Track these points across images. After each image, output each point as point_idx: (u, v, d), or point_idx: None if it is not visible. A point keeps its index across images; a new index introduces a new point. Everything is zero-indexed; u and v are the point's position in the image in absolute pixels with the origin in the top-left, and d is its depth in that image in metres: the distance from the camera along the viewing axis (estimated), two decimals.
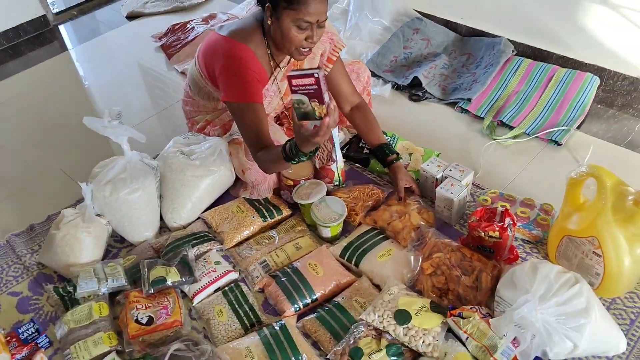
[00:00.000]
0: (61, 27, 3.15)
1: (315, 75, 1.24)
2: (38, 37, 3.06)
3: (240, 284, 1.57)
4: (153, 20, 3.11)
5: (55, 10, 3.20)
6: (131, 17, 3.17)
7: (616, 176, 1.38)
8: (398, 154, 1.79)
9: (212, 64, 1.67)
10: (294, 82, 1.28)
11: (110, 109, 1.63)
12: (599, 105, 2.16)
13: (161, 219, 1.79)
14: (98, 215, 1.68)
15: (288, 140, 1.48)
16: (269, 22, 1.56)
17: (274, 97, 1.79)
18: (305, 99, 1.30)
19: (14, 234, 1.83)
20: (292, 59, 1.73)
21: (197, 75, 1.79)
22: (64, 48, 2.98)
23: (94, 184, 1.66)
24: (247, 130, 1.62)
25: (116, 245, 1.76)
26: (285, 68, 1.74)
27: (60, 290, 1.56)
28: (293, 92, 1.30)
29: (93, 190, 1.66)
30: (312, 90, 1.28)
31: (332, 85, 1.83)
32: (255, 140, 1.60)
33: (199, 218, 1.80)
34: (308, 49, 1.57)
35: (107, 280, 1.53)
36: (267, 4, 1.54)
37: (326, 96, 1.29)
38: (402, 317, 1.36)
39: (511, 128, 2.07)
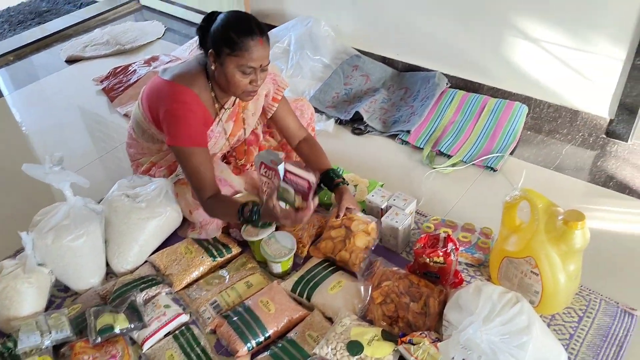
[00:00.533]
0: None
1: (311, 182, 1.53)
2: None
3: (191, 326, 1.55)
4: (93, 63, 3.08)
5: None
6: (71, 60, 3.13)
7: (546, 198, 1.47)
8: (344, 179, 1.81)
9: (157, 107, 1.67)
10: (289, 176, 1.55)
11: (51, 154, 1.61)
12: (528, 132, 2.29)
13: (107, 264, 1.75)
14: (40, 264, 1.63)
15: (248, 205, 1.59)
16: (212, 67, 1.60)
17: (219, 137, 1.81)
18: (292, 191, 1.56)
19: None
20: (236, 101, 1.77)
21: (141, 118, 1.79)
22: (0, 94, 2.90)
23: (35, 233, 1.62)
24: (193, 175, 1.64)
25: (60, 295, 1.70)
26: (230, 109, 1.77)
27: (0, 346, 1.49)
28: (284, 181, 1.57)
29: (34, 239, 1.61)
30: (302, 189, 1.55)
31: (279, 123, 1.88)
32: (201, 184, 1.63)
33: (146, 261, 1.77)
34: (254, 90, 1.61)
35: (50, 332, 1.48)
36: (210, 50, 1.58)
37: (311, 197, 1.53)
38: (354, 348, 1.38)
39: (449, 157, 2.16)
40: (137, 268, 1.74)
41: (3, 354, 1.47)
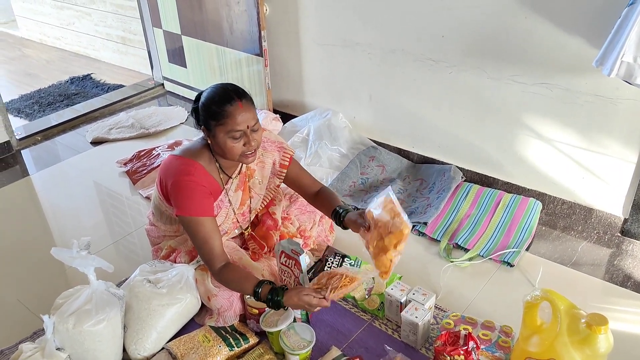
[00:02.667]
0: (24, 152, 3.19)
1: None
2: (0, 162, 3.07)
3: None
4: (118, 145, 3.20)
5: (19, 136, 3.25)
6: (96, 142, 3.25)
7: (567, 300, 1.48)
8: (348, 209, 1.83)
9: (166, 181, 1.77)
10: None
11: (79, 239, 1.65)
12: (543, 228, 2.32)
13: (124, 350, 1.74)
14: (58, 349, 1.63)
15: (266, 283, 1.64)
16: (209, 141, 1.71)
17: (229, 208, 1.87)
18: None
19: None
20: (242, 169, 1.86)
21: (158, 199, 1.87)
22: (25, 173, 2.99)
23: (56, 316, 1.62)
24: (203, 244, 1.71)
25: None
26: (237, 179, 1.85)
27: None
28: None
29: (55, 323, 1.62)
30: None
31: (294, 184, 1.98)
32: (211, 254, 1.70)
33: (163, 348, 1.76)
34: (252, 151, 1.70)
35: None
36: (202, 126, 1.71)
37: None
38: None
39: (466, 250, 2.18)
40: (153, 355, 1.73)
41: None
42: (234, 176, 1.85)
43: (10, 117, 3.18)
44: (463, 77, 2.42)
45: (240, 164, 1.84)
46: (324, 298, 1.62)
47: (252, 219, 2.02)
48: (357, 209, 2.45)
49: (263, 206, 2.03)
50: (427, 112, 2.63)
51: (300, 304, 1.61)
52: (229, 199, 1.86)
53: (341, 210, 1.84)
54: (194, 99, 1.76)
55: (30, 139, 3.31)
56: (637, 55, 1.73)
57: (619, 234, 2.24)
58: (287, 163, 1.94)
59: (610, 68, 1.79)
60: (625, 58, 1.75)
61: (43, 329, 1.73)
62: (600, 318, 1.39)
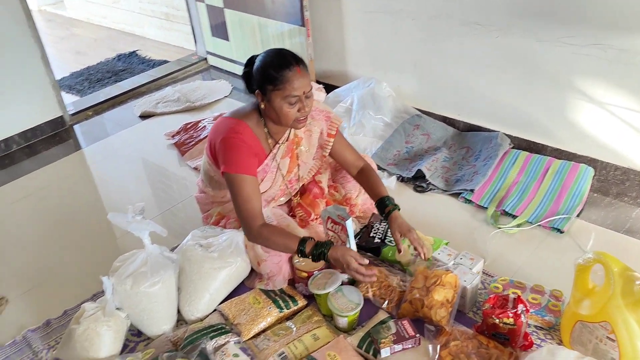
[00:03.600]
0: (76, 127, 3.31)
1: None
2: (54, 136, 3.20)
3: None
4: (165, 119, 3.27)
5: (71, 111, 3.37)
6: (144, 116, 3.33)
7: (621, 262, 1.45)
8: (396, 205, 1.86)
9: (214, 140, 1.81)
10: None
11: (134, 204, 1.71)
12: (595, 194, 2.26)
13: (178, 311, 1.81)
14: (117, 309, 1.71)
15: (311, 240, 1.69)
16: (262, 105, 1.73)
17: (276, 173, 1.90)
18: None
19: (30, 330, 1.84)
20: (289, 137, 1.88)
21: (207, 163, 1.92)
22: (78, 147, 3.10)
23: (115, 278, 1.70)
24: (244, 202, 1.75)
25: (133, 339, 1.77)
26: (284, 145, 1.87)
27: None
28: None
29: (114, 284, 1.69)
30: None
31: (337, 156, 2.00)
32: (252, 212, 1.74)
33: (215, 310, 1.82)
34: (305, 117, 1.73)
35: None
36: (256, 91, 1.72)
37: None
38: None
39: (514, 217, 2.15)
40: (206, 316, 1.79)
41: None
42: (281, 142, 1.87)
43: (62, 93, 3.29)
44: (510, 41, 2.35)
45: (288, 131, 1.86)
46: (365, 269, 1.66)
47: (299, 187, 2.05)
48: (403, 177, 2.45)
49: (310, 176, 2.05)
50: (473, 78, 2.58)
51: (341, 260, 1.66)
52: (277, 165, 1.89)
53: (388, 203, 1.86)
54: (245, 63, 1.78)
55: (82, 114, 3.42)
56: None
57: None
58: (334, 132, 1.95)
59: None
60: None
61: (102, 291, 1.82)
62: None
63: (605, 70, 2.14)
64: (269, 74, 1.67)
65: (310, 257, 1.70)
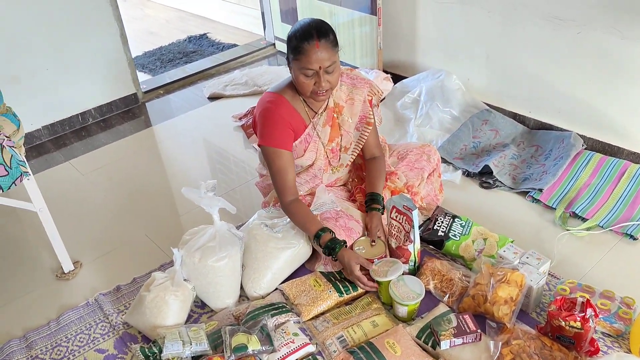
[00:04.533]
0: (148, 104, 3.43)
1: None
2: (128, 112, 3.33)
3: (318, 357, 1.60)
4: (233, 101, 3.34)
5: (144, 89, 3.50)
6: (213, 97, 3.42)
7: None
8: (383, 207, 1.90)
9: (255, 114, 1.87)
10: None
11: (205, 181, 1.77)
12: None
13: (241, 287, 1.86)
14: (185, 280, 1.77)
15: (327, 234, 1.76)
16: (290, 73, 1.77)
17: (317, 142, 1.92)
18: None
19: (102, 294, 1.94)
20: (329, 105, 1.89)
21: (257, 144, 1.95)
22: (149, 124, 3.22)
23: (184, 250, 1.77)
24: (277, 175, 1.82)
25: (197, 310, 1.83)
26: (324, 114, 1.89)
27: (146, 350, 1.62)
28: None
29: (183, 256, 1.76)
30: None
31: None
32: (284, 186, 1.83)
33: (276, 289, 1.86)
34: (323, 91, 1.74)
35: (191, 344, 1.59)
36: (286, 57, 1.77)
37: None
38: None
39: (584, 220, 2.08)
40: (268, 294, 1.84)
41: (149, 357, 1.60)
42: (320, 111, 1.89)
43: (136, 72, 3.42)
44: (592, 37, 2.26)
45: (327, 99, 1.88)
46: (368, 279, 1.74)
47: (346, 160, 2.01)
48: (469, 172, 2.41)
49: (358, 149, 2.00)
50: (548, 74, 2.49)
51: (346, 264, 1.74)
52: (317, 134, 1.91)
53: (379, 200, 1.91)
54: None
55: (153, 93, 3.54)
56: None
57: None
58: (370, 98, 1.94)
59: None
60: None
61: (169, 262, 1.91)
62: None
63: None
64: (291, 43, 1.72)
65: (322, 248, 1.77)
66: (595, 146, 2.43)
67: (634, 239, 1.97)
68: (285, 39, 1.79)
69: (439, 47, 2.94)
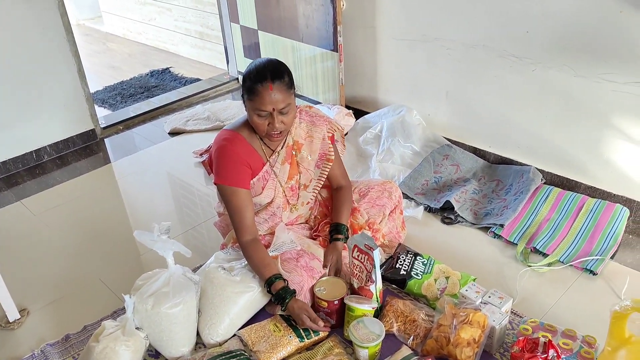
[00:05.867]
0: (107, 140, 3.35)
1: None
2: (85, 148, 3.24)
3: None
4: (194, 136, 3.29)
5: (103, 125, 3.42)
6: (174, 133, 3.36)
7: None
8: (346, 237, 1.91)
9: (211, 153, 1.84)
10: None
11: (160, 223, 1.71)
12: (630, 236, 2.18)
13: (197, 334, 1.79)
14: (137, 328, 1.69)
15: (278, 283, 1.73)
16: (246, 111, 1.77)
17: (275, 181, 1.90)
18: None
19: (49, 344, 1.83)
20: (287, 143, 1.88)
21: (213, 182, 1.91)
22: (107, 160, 3.14)
23: (136, 297, 1.69)
24: (235, 214, 1.79)
25: None
26: (283, 151, 1.87)
27: None
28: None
29: (135, 303, 1.68)
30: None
31: None
32: (241, 225, 1.79)
33: (235, 335, 1.79)
34: (277, 132, 1.73)
35: None
36: (242, 95, 1.76)
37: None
38: None
39: (545, 255, 2.09)
40: (225, 341, 1.76)
41: None
42: (278, 149, 1.87)
43: (95, 107, 3.34)
44: (548, 75, 2.31)
45: (285, 137, 1.87)
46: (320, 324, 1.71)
47: (307, 198, 1.99)
48: (431, 208, 2.41)
49: (319, 186, 2.00)
50: (506, 110, 2.53)
51: (295, 316, 1.72)
52: (275, 172, 1.88)
53: (342, 231, 1.92)
54: None
55: (113, 128, 3.46)
56: None
57: None
58: (331, 134, 1.95)
59: None
60: None
61: (123, 308, 1.82)
62: None
63: None
64: (245, 83, 1.71)
65: (272, 295, 1.75)
66: (554, 180, 2.46)
67: (594, 273, 1.98)
68: None
69: (400, 83, 2.97)
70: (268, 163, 1.87)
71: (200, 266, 1.97)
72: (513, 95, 2.48)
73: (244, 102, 1.76)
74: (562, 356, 1.58)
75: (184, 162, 3.02)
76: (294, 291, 1.74)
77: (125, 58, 5.02)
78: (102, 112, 3.73)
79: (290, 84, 1.73)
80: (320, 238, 1.99)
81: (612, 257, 2.07)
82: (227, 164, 1.78)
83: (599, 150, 2.27)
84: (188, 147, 3.14)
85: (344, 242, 1.91)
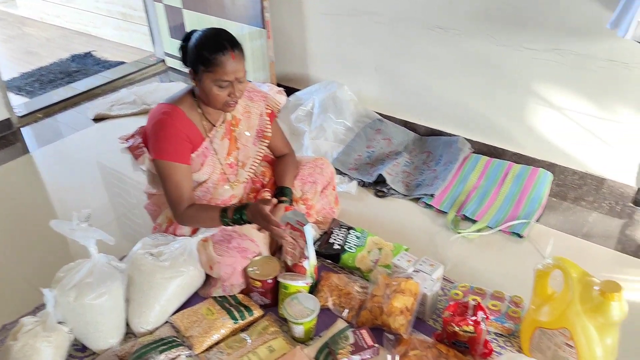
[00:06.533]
0: (25, 130, 3.15)
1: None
2: (0, 139, 3.04)
3: None
4: (120, 122, 3.15)
5: (19, 114, 3.21)
6: (98, 119, 3.21)
7: (580, 267, 1.43)
8: (291, 201, 1.90)
9: (146, 128, 1.76)
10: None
11: (79, 211, 1.62)
12: (554, 199, 2.27)
13: (127, 324, 1.72)
14: (60, 322, 1.60)
15: (232, 207, 1.69)
16: (193, 83, 1.71)
17: (214, 157, 1.84)
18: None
19: None
20: (226, 118, 1.84)
21: (147, 158, 1.84)
22: (26, 150, 2.96)
23: (57, 290, 1.60)
24: (173, 189, 1.73)
25: (77, 354, 1.66)
26: (222, 127, 1.83)
27: None
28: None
29: (56, 296, 1.59)
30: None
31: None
32: (181, 198, 1.73)
33: (166, 322, 1.73)
34: (234, 102, 1.70)
35: None
36: (189, 68, 1.69)
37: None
38: None
39: (474, 222, 2.14)
40: (157, 329, 1.70)
41: None
42: (218, 124, 1.83)
43: (11, 95, 3.14)
44: (471, 45, 2.35)
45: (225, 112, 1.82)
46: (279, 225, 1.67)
47: (243, 177, 1.95)
48: (364, 182, 2.41)
49: (255, 165, 1.97)
50: (434, 82, 2.56)
51: (258, 215, 1.65)
52: (214, 148, 1.83)
53: (287, 193, 1.89)
54: (183, 37, 1.73)
55: (31, 117, 3.26)
56: None
57: (632, 204, 2.19)
58: (270, 111, 1.93)
59: (626, 29, 1.72)
60: None
61: (44, 304, 1.71)
62: (614, 285, 1.35)
63: (564, 75, 2.15)
64: (202, 55, 1.63)
65: (233, 223, 1.70)
66: (481, 149, 2.52)
67: (521, 236, 2.05)
68: (177, 54, 1.72)
69: (330, 59, 2.94)
70: (208, 138, 1.81)
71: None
72: (440, 66, 2.50)
73: (193, 76, 1.68)
74: (491, 317, 1.62)
75: (109, 148, 2.88)
76: (247, 204, 1.70)
77: (44, 43, 4.74)
78: (19, 100, 3.50)
79: (243, 52, 1.70)
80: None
81: (537, 220, 2.14)
82: (165, 138, 1.70)
83: (522, 117, 2.34)
84: (114, 133, 3.00)
85: (290, 205, 1.89)
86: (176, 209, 1.74)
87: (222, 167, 1.87)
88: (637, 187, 2.16)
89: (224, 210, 1.70)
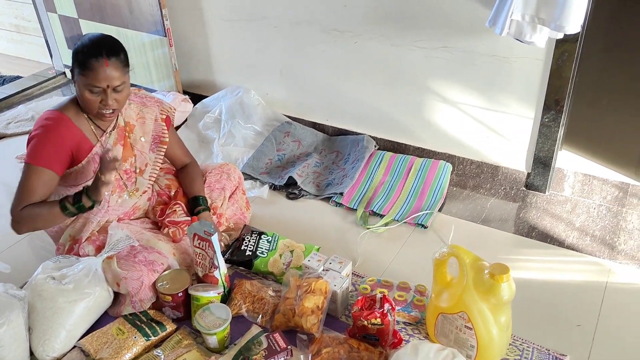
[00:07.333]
0: None
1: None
2: None
3: None
4: (17, 140, 2.99)
5: None
6: None
7: (472, 253, 1.53)
8: (207, 207, 1.93)
9: (30, 136, 1.71)
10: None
11: None
12: (454, 188, 2.40)
13: (31, 354, 1.64)
14: None
15: (69, 197, 1.65)
16: (75, 88, 1.68)
17: None
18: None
19: None
20: (118, 124, 1.82)
21: None
22: None
23: None
24: (27, 191, 1.67)
25: None
26: (114, 132, 1.81)
27: None
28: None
29: None
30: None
31: (167, 150, 1.96)
32: (24, 201, 1.67)
33: (75, 347, 1.67)
34: (110, 111, 1.69)
35: None
36: (71, 69, 1.69)
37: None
38: None
39: (382, 216, 2.22)
40: (64, 355, 1.64)
41: None
42: (108, 130, 1.80)
43: None
44: (368, 46, 2.43)
45: (116, 118, 1.80)
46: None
47: (143, 186, 1.92)
48: (275, 185, 2.43)
49: (155, 172, 1.94)
50: (337, 84, 2.62)
51: (95, 186, 1.62)
52: None
53: (201, 202, 1.93)
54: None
55: None
56: (525, 12, 1.79)
57: (524, 188, 2.35)
58: (164, 117, 1.92)
59: (502, 27, 1.84)
60: (515, 16, 1.81)
61: None
62: (501, 267, 1.45)
63: (454, 71, 2.27)
64: (77, 58, 1.63)
65: (77, 211, 1.66)
66: (386, 145, 2.61)
67: (425, 227, 2.15)
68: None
69: (235, 64, 2.94)
70: (99, 144, 1.77)
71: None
72: (341, 68, 2.57)
73: (73, 78, 1.66)
74: (398, 307, 1.70)
75: (7, 169, 2.73)
76: (86, 187, 1.66)
77: None
78: None
79: (126, 62, 1.68)
80: (169, 233, 1.91)
81: (440, 210, 2.25)
82: (44, 144, 1.66)
83: (421, 113, 2.45)
84: (10, 153, 2.84)
85: (208, 211, 1.91)
86: (13, 212, 1.70)
87: (117, 173, 1.83)
88: (527, 172, 2.33)
89: (62, 200, 1.66)
